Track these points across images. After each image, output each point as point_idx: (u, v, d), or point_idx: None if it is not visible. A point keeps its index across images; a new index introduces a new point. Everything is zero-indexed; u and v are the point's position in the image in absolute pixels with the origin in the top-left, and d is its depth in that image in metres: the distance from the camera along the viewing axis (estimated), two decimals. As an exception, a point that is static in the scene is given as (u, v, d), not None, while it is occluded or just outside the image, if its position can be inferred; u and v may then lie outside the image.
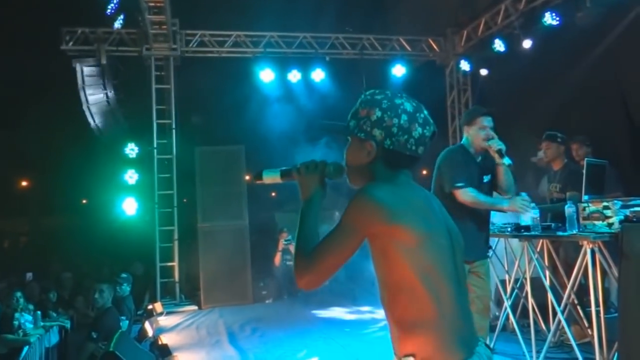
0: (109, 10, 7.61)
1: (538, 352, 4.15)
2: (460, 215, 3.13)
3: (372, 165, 1.52)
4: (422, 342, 1.35)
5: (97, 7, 7.74)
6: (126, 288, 6.32)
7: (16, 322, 5.70)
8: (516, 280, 4.83)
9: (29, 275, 7.90)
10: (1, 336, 5.38)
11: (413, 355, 1.35)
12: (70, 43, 8.26)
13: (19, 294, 6.03)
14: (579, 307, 4.41)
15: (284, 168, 1.67)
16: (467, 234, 1.79)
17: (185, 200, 8.72)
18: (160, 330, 6.35)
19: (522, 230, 4.34)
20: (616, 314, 4.04)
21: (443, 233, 1.45)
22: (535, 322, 4.43)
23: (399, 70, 9.16)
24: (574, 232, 3.70)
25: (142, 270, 8.80)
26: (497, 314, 5.32)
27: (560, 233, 3.89)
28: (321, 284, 1.45)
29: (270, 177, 1.68)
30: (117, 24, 7.80)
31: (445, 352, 1.35)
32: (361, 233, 1.41)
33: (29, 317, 5.91)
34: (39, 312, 5.95)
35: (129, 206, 7.93)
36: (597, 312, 3.70)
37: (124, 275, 6.46)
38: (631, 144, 6.34)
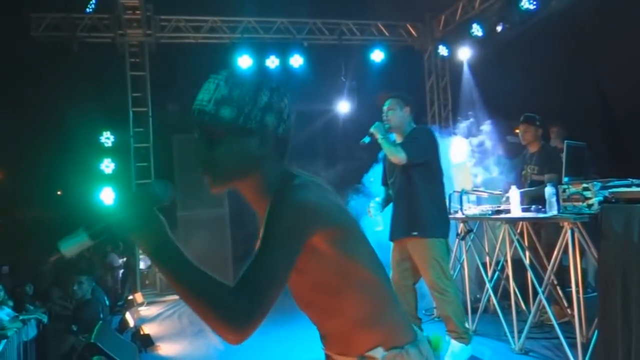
0: (80, -5, 7.40)
1: (520, 332, 4.21)
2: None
3: (263, 161, 1.24)
4: (384, 331, 1.29)
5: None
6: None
7: (-7, 316, 5.58)
8: (497, 263, 4.89)
9: (5, 268, 7.73)
10: (-23, 330, 5.26)
11: (380, 346, 1.26)
12: (40, 29, 8.01)
13: None
14: (558, 288, 4.49)
15: (93, 228, 1.10)
16: None
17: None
18: (141, 321, 6.28)
19: (503, 213, 4.40)
20: (594, 294, 4.14)
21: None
22: (516, 303, 4.49)
23: (377, 56, 9.14)
24: (555, 213, 3.75)
25: (118, 261, 8.68)
26: (478, 296, 5.40)
27: (541, 215, 3.94)
28: (258, 326, 1.08)
29: (75, 246, 1.11)
30: (89, 9, 7.58)
31: (404, 333, 1.31)
32: (301, 243, 1.15)
33: (9, 311, 5.79)
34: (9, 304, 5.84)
35: (107, 196, 7.79)
36: (577, 292, 3.77)
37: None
38: (604, 127, 6.45)
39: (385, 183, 4.26)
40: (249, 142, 1.22)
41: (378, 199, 4.18)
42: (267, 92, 1.24)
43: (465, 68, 9.03)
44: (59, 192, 17.97)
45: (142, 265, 8.25)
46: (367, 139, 3.93)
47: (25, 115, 12.81)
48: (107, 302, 6.42)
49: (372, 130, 3.88)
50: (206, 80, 1.24)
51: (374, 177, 6.66)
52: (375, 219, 4.04)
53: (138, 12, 8.02)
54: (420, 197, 3.87)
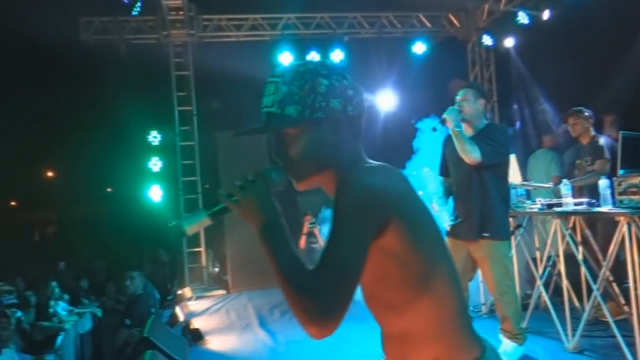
0: (126, -1, 7.60)
1: (573, 330, 4.08)
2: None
3: (340, 145, 1.24)
4: (446, 344, 1.19)
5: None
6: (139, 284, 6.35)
7: (51, 310, 5.83)
8: (548, 258, 4.75)
9: (62, 264, 8.06)
10: (37, 323, 5.51)
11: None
12: (89, 33, 8.28)
13: (54, 283, 6.16)
14: (614, 284, 4.32)
15: (213, 209, 1.22)
16: None
17: (207, 186, 8.76)
18: (190, 315, 6.43)
19: (554, 207, 4.26)
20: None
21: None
22: (570, 300, 4.35)
23: (419, 48, 9.00)
24: (610, 207, 3.61)
25: (167, 257, 8.90)
26: (528, 292, 5.26)
27: (595, 209, 3.80)
28: (342, 317, 1.08)
29: (196, 225, 1.23)
30: (135, 12, 7.78)
31: (469, 349, 1.21)
32: (372, 227, 1.12)
33: (65, 305, 6.04)
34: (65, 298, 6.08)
35: (155, 193, 8.00)
36: (635, 289, 3.61)
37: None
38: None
39: (444, 173, 4.12)
40: (322, 131, 1.22)
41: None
42: (324, 77, 1.22)
43: (513, 57, 8.77)
44: (109, 189, 18.62)
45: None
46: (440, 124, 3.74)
47: (76, 116, 13.32)
48: (158, 297, 6.61)
49: (445, 115, 3.67)
50: (265, 83, 1.26)
51: (414, 169, 6.57)
52: (440, 214, 3.91)
53: (181, 12, 8.17)
54: (494, 197, 3.73)
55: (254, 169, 1.25)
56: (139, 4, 7.74)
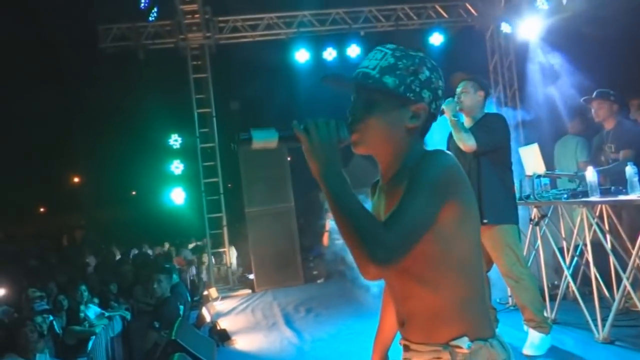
0: (142, 4, 7.69)
1: (603, 320, 4.00)
2: None
3: (411, 133, 1.31)
4: (472, 320, 1.27)
5: (130, 2, 7.84)
6: (175, 276, 6.48)
7: (82, 314, 5.95)
8: (575, 247, 4.66)
9: (91, 268, 8.22)
10: (69, 328, 5.62)
11: (466, 335, 1.24)
12: (108, 40, 8.41)
13: (83, 287, 6.28)
14: (645, 272, 4.22)
15: (283, 131, 1.25)
16: None
17: (230, 185, 8.84)
18: (217, 316, 6.49)
19: (580, 196, 4.18)
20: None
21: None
22: (598, 290, 4.27)
23: (436, 39, 8.91)
24: (638, 195, 3.52)
25: (191, 256, 9.01)
26: (555, 282, 5.17)
27: (622, 197, 3.72)
28: (395, 266, 1.17)
29: (263, 142, 1.24)
30: (152, 17, 7.87)
31: (488, 326, 1.29)
32: (443, 204, 1.20)
33: (95, 308, 6.15)
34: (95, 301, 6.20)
35: (177, 196, 8.10)
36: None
37: (167, 265, 6.61)
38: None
39: None
40: (404, 112, 1.30)
41: None
42: (427, 69, 1.31)
43: (533, 44, 8.60)
44: (133, 193, 18.92)
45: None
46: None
47: (99, 123, 13.57)
48: (189, 298, 6.71)
49: (444, 106, 3.75)
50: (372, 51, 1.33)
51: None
52: None
53: (197, 15, 8.24)
54: (491, 183, 3.76)
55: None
56: (155, 9, 7.82)
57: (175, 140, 8.44)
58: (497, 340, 1.27)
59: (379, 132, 1.31)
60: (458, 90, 3.89)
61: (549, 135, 7.28)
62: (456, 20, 9.42)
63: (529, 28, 8.37)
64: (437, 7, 9.26)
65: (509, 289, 5.07)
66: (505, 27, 8.84)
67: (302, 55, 8.57)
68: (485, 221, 3.76)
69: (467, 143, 3.67)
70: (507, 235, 3.77)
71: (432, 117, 1.34)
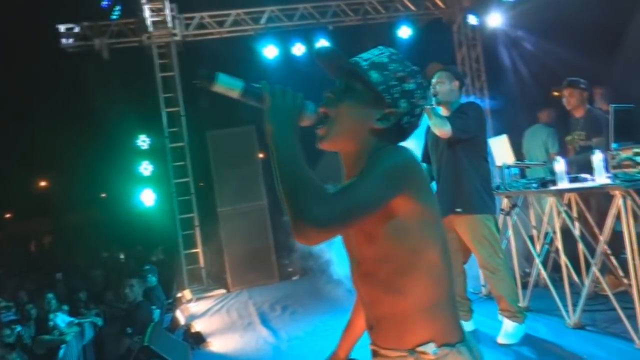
0: (104, 3, 7.49)
1: (574, 305, 4.07)
2: None
3: (375, 134, 1.29)
4: (439, 325, 1.24)
5: (91, 1, 7.63)
6: (152, 279, 6.38)
7: (51, 323, 5.79)
8: (545, 235, 4.73)
9: (59, 275, 8.01)
10: (38, 338, 5.47)
11: (432, 341, 1.22)
12: (70, 40, 8.17)
13: (50, 295, 6.11)
14: (612, 257, 4.30)
15: (251, 84, 1.24)
16: None
17: (201, 184, 8.71)
18: (191, 318, 6.40)
19: (549, 185, 4.23)
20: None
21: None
22: (569, 276, 4.34)
23: (404, 32, 8.93)
24: (605, 182, 3.58)
25: (162, 255, 8.88)
26: (527, 270, 5.24)
27: (589, 184, 3.77)
28: (329, 236, 1.12)
29: (225, 87, 1.22)
30: (114, 16, 7.68)
31: (456, 331, 1.26)
32: (394, 193, 1.18)
33: (64, 316, 6.00)
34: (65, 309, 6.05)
35: (147, 197, 7.95)
36: (633, 260, 3.59)
37: (147, 267, 6.52)
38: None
39: (426, 160, 4.14)
40: (375, 111, 1.29)
41: None
42: (415, 83, 1.31)
43: (499, 35, 8.70)
44: (103, 195, 18.53)
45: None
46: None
47: (65, 125, 13.21)
48: (166, 300, 6.61)
49: None
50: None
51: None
52: None
53: (162, 12, 8.06)
54: (466, 173, 3.76)
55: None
56: (117, 7, 7.63)
57: (143, 141, 8.27)
58: (465, 346, 1.25)
59: (346, 122, 1.30)
60: (433, 80, 3.86)
61: (518, 124, 7.37)
62: (424, 13, 9.45)
63: (495, 19, 8.46)
64: (404, 0, 9.27)
65: (482, 279, 5.14)
66: (472, 19, 8.92)
67: (270, 51, 8.49)
68: (458, 210, 3.77)
69: (443, 128, 3.64)
70: (483, 226, 3.78)
71: (401, 130, 1.32)
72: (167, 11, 8.03)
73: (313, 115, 1.28)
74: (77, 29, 8.17)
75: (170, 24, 8.28)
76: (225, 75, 1.23)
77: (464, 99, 4.01)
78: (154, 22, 8.16)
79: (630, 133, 3.74)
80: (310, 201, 1.09)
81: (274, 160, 1.17)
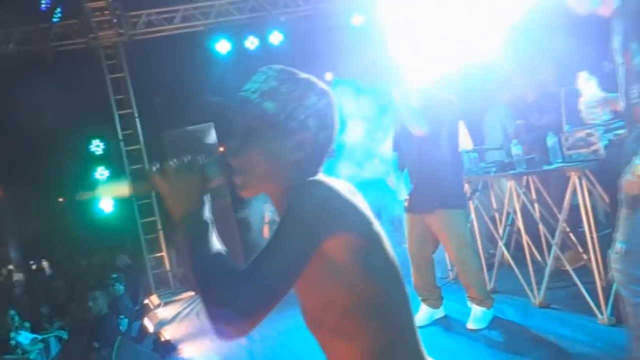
0: (43, 6, 7.17)
1: (538, 284, 4.17)
2: None
3: (297, 166, 1.16)
4: None
5: (30, 4, 7.29)
6: (119, 287, 6.23)
7: (13, 342, 5.58)
8: (507, 216, 4.82)
9: (18, 289, 7.72)
10: (0, 358, 5.27)
11: None
12: (10, 45, 7.80)
13: (12, 312, 5.89)
14: (571, 234, 4.43)
15: (137, 178, 1.17)
16: None
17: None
18: (160, 324, 6.28)
19: (507, 169, 4.31)
20: (607, 231, 4.07)
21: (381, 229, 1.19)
22: (531, 255, 4.44)
23: (357, 20, 8.90)
24: (560, 164, 3.66)
25: (127, 261, 8.68)
26: (491, 251, 5.35)
27: (546, 167, 3.86)
28: (260, 320, 1.01)
29: (114, 190, 1.17)
30: (56, 18, 7.37)
31: None
32: (318, 242, 1.05)
33: (27, 334, 5.79)
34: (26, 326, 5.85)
35: (106, 204, 7.72)
36: (590, 235, 3.71)
37: (114, 275, 6.36)
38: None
39: (397, 148, 4.12)
40: (286, 143, 1.16)
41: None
42: (315, 95, 1.18)
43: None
44: (60, 200, 17.91)
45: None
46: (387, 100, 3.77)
47: (16, 133, 12.65)
48: (134, 307, 6.46)
49: (393, 90, 3.69)
50: (255, 73, 1.21)
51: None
52: (397, 188, 3.92)
53: (107, 12, 7.78)
54: (440, 167, 3.74)
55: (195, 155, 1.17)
56: (58, 9, 7.31)
57: (97, 146, 8.01)
58: None
59: (261, 166, 1.17)
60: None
61: (476, 104, 7.41)
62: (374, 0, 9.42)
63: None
64: (356, -13, 9.22)
65: (448, 263, 5.22)
66: (422, 4, 8.94)
67: (222, 46, 8.34)
68: (437, 205, 3.77)
69: (419, 126, 3.62)
70: (456, 221, 3.82)
71: (323, 147, 1.20)
72: (111, 10, 7.75)
73: (220, 173, 1.16)
74: (17, 34, 7.81)
75: (116, 24, 8.00)
76: (109, 184, 1.16)
77: (439, 95, 3.95)
78: (98, 23, 7.88)
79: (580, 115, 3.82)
80: (227, 292, 0.97)
81: (185, 247, 1.08)
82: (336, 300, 1.12)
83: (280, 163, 1.17)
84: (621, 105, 2.34)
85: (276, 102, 1.15)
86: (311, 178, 1.14)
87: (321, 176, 1.20)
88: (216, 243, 1.08)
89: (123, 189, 1.17)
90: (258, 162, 1.16)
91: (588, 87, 2.53)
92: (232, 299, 0.98)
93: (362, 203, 1.17)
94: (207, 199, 1.14)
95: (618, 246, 2.24)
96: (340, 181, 1.19)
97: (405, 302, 1.19)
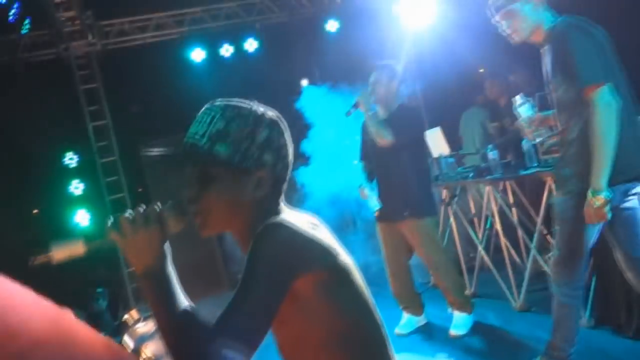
0: (11, 17, 7.01)
1: (518, 287, 4.19)
2: None
3: (258, 203, 1.15)
4: None
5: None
6: (103, 303, 6.10)
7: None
8: (486, 219, 4.84)
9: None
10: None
11: None
12: (-22, 58, 7.61)
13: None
14: (549, 236, 4.46)
15: (89, 241, 1.09)
16: None
17: (140, 189, 8.38)
18: (141, 340, 6.15)
19: (484, 174, 4.33)
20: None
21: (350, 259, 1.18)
22: (510, 258, 4.47)
23: (332, 26, 8.89)
24: (536, 169, 3.69)
25: (105, 275, 8.52)
26: (471, 255, 5.37)
27: (522, 172, 3.88)
28: None
29: (67, 251, 1.09)
30: (25, 30, 7.20)
31: None
32: (285, 286, 1.04)
33: None
34: None
35: (82, 218, 7.55)
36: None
37: (99, 290, 6.22)
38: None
39: (365, 158, 4.12)
40: (245, 183, 1.14)
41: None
42: (265, 128, 1.16)
43: (429, 24, 8.78)
44: (35, 211, 17.55)
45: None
46: (352, 110, 3.72)
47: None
48: (114, 323, 6.31)
49: (358, 99, 3.67)
50: (200, 111, 1.18)
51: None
52: (370, 199, 3.90)
53: (78, 22, 7.63)
54: (409, 176, 3.75)
55: (161, 199, 1.15)
56: (27, 20, 7.15)
57: (70, 159, 7.82)
58: None
59: (221, 210, 1.15)
60: (371, 80, 3.81)
61: (452, 107, 7.48)
62: (349, 4, 9.42)
63: (421, 10, 8.49)
64: (329, -7, 9.21)
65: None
66: (397, 9, 8.96)
67: (197, 54, 8.25)
68: (406, 214, 3.78)
69: (386, 138, 3.62)
70: (427, 228, 3.83)
71: (282, 179, 1.20)
72: (83, 20, 7.60)
73: (179, 219, 1.13)
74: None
75: (87, 34, 7.85)
76: (59, 243, 1.10)
77: (406, 94, 3.98)
78: (70, 33, 7.72)
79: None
80: (203, 350, 0.95)
81: (148, 302, 1.04)
82: (310, 336, 1.11)
83: (240, 204, 1.15)
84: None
85: (227, 145, 1.12)
86: (273, 220, 1.11)
87: (283, 209, 1.18)
88: (182, 300, 1.05)
89: (78, 247, 1.09)
90: (217, 206, 1.14)
91: (523, 110, 2.77)
92: (212, 355, 0.96)
93: (326, 235, 1.15)
94: (168, 249, 1.12)
95: (554, 252, 2.72)
96: (301, 215, 1.17)
97: (379, 329, 1.17)
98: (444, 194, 4.86)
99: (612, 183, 2.33)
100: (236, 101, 1.18)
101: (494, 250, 5.07)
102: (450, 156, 4.95)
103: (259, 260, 1.05)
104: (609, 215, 2.35)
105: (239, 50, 8.52)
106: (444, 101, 7.82)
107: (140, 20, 8.37)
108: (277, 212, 1.18)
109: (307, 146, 6.84)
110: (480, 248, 4.63)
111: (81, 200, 7.69)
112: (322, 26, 8.89)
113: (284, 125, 1.21)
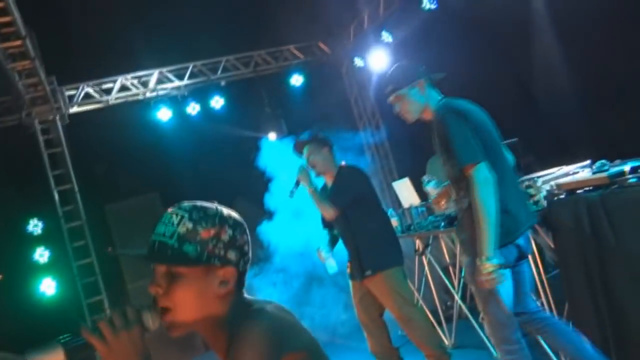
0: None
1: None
2: None
3: (225, 298, 1.22)
4: None
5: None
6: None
7: None
8: (460, 269, 4.87)
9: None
10: None
11: None
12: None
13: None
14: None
15: (69, 340, 1.10)
16: None
17: (109, 249, 8.17)
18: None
19: (455, 222, 4.37)
20: (555, 272, 4.17)
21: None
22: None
23: (296, 80, 9.08)
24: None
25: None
26: (448, 303, 5.36)
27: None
28: None
29: (45, 357, 1.10)
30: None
31: None
32: None
33: None
34: None
35: (47, 287, 7.27)
36: (542, 282, 3.79)
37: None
38: (531, 116, 6.55)
39: (326, 225, 4.17)
40: (211, 280, 1.20)
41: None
42: (229, 228, 1.23)
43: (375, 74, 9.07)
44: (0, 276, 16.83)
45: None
46: (294, 189, 3.82)
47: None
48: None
49: (299, 176, 3.77)
50: (167, 212, 1.23)
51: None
52: (327, 262, 3.94)
53: (40, 87, 7.59)
54: (365, 232, 3.79)
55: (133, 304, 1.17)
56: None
57: (35, 226, 7.61)
58: None
59: (188, 305, 1.19)
60: (304, 155, 3.91)
61: (419, 155, 7.63)
62: (312, 59, 9.68)
63: (377, 60, 8.80)
64: (291, 49, 9.45)
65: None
66: (358, 62, 9.25)
67: (164, 114, 8.26)
68: (367, 273, 3.79)
69: (328, 211, 3.71)
70: (392, 280, 3.81)
71: (244, 274, 1.28)
72: (46, 86, 7.56)
73: (156, 318, 1.17)
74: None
75: (51, 99, 7.80)
76: (37, 351, 1.10)
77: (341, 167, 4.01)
78: (32, 99, 7.66)
79: (519, 166, 3.97)
80: None
81: None
82: None
83: (208, 300, 1.20)
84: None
85: (195, 244, 1.18)
86: (243, 311, 1.17)
87: (248, 300, 1.24)
88: None
89: (58, 357, 1.08)
90: (185, 302, 1.18)
91: (430, 188, 3.39)
92: None
93: (289, 315, 1.23)
94: (149, 352, 1.13)
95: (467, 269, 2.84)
96: (268, 304, 1.23)
97: None
98: (417, 243, 4.88)
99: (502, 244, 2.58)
100: (201, 203, 1.23)
101: (471, 298, 5.07)
102: (421, 206, 5.00)
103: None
104: (501, 278, 2.52)
105: (205, 107, 8.59)
106: (411, 150, 7.99)
107: (104, 82, 8.39)
108: (242, 303, 1.24)
109: (270, 201, 6.84)
110: (457, 297, 4.63)
111: (46, 268, 7.43)
112: (287, 80, 9.07)
113: (245, 225, 1.28)
